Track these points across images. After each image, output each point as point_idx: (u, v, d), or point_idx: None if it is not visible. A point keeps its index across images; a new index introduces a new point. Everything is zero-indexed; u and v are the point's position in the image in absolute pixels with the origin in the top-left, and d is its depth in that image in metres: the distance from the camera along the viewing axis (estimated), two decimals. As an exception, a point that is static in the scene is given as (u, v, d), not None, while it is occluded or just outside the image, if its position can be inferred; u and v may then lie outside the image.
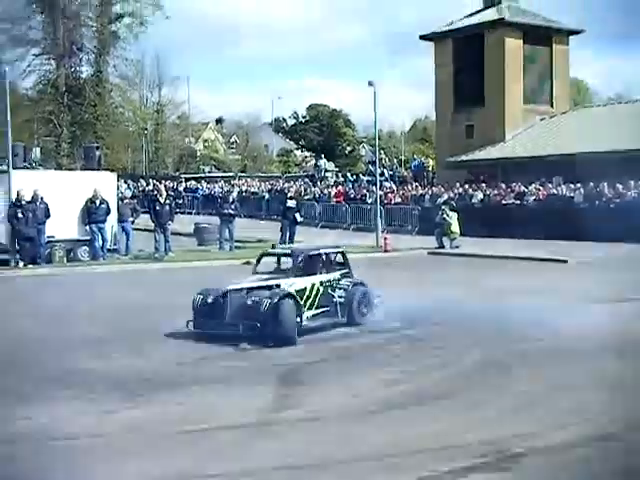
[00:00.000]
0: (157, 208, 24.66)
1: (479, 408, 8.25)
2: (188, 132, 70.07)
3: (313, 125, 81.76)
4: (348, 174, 49.59)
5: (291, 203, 27.74)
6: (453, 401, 8.56)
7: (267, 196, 41.09)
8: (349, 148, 79.50)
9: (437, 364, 10.36)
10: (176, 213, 27.61)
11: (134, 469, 6.64)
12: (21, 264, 21.66)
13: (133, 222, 25.43)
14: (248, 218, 37.36)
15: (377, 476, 6.30)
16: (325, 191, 39.75)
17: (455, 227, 26.59)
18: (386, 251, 26.11)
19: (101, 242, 23.21)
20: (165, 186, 32.26)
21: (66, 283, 18.90)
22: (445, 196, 31.59)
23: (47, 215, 21.94)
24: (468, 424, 7.66)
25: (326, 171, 51.74)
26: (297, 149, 79.70)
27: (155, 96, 66.09)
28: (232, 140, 79.04)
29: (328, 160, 58.82)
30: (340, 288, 13.04)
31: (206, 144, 76.44)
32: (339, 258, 13.69)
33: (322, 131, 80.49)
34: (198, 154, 70.98)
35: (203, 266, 22.71)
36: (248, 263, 22.81)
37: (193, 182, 48.26)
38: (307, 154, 75.59)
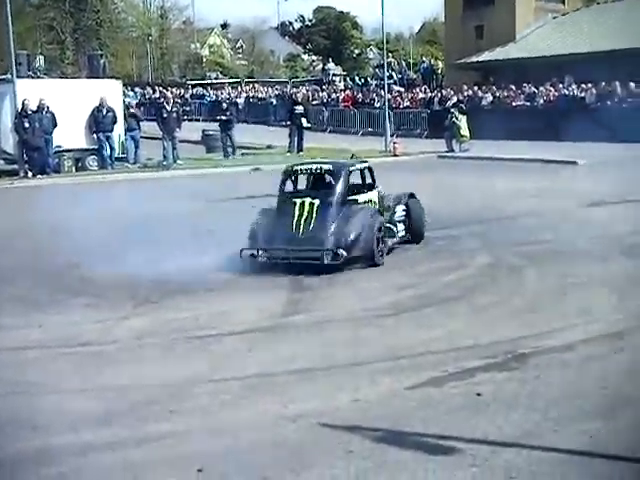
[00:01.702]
0: (164, 116, 24.47)
1: (488, 310, 8.32)
2: (193, 38, 68.91)
3: (320, 28, 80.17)
4: (356, 78, 48.89)
5: (299, 108, 27.47)
6: (462, 303, 8.63)
7: (275, 102, 40.65)
8: (357, 51, 78.08)
9: (446, 267, 10.40)
10: (183, 120, 27.40)
11: (147, 372, 6.76)
12: (30, 174, 21.68)
13: (140, 130, 25.24)
14: (256, 124, 37.10)
15: (387, 376, 6.40)
16: (333, 96, 39.28)
17: (465, 130, 26.36)
18: (395, 155, 25.97)
19: (109, 151, 23.15)
20: (172, 93, 31.96)
21: (76, 192, 18.89)
22: (454, 99, 31.16)
23: (54, 124, 21.81)
24: (477, 325, 7.75)
25: (334, 75, 51.04)
26: (304, 53, 78.39)
27: (159, 1, 64.85)
28: (238, 45, 77.77)
29: (336, 64, 57.92)
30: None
31: (212, 50, 75.25)
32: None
33: (329, 34, 78.97)
34: (204, 60, 69.95)
35: (211, 173, 22.67)
36: (257, 169, 22.87)
37: (199, 89, 47.72)
38: (314, 58, 74.38)
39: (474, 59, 37.43)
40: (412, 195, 12.08)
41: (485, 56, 37.23)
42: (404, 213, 11.74)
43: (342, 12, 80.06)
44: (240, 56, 75.13)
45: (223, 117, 26.16)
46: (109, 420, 5.77)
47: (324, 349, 7.22)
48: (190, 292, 9.42)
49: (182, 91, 46.09)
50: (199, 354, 7.24)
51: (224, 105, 27.76)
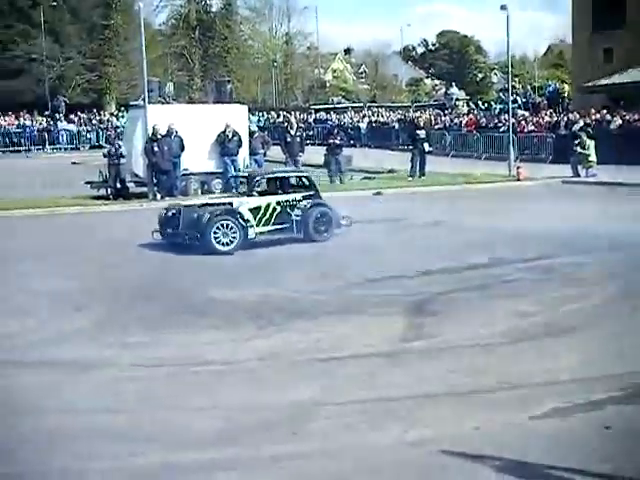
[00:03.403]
0: (288, 140, 24.85)
1: (613, 340, 8.04)
2: (317, 63, 69.91)
3: (443, 53, 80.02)
4: (479, 102, 48.44)
5: (421, 133, 27.36)
6: (587, 332, 8.36)
7: (397, 126, 40.69)
8: (480, 75, 77.43)
9: (572, 296, 10.11)
10: (306, 144, 27.74)
11: (269, 394, 6.84)
12: (158, 196, 22.36)
13: (265, 154, 25.75)
14: (378, 148, 37.20)
15: (510, 405, 6.27)
16: (456, 120, 39.02)
17: (592, 155, 25.64)
18: (519, 180, 25.50)
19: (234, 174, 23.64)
20: (295, 117, 32.44)
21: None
22: (581, 122, 30.34)
23: (182, 148, 22.45)
24: (602, 356, 7.50)
25: (457, 99, 50.68)
26: (427, 77, 78.29)
27: (284, 27, 66.17)
28: (361, 70, 78.39)
29: (459, 88, 57.57)
30: (298, 208, 14.69)
31: (335, 74, 76.10)
32: (305, 182, 15.46)
33: (452, 58, 78.68)
34: (327, 85, 70.82)
35: (333, 197, 22.80)
36: (379, 194, 22.90)
37: (322, 113, 48.29)
38: (437, 82, 74.18)
39: (603, 82, 36.43)
40: (322, 204, 15.10)
41: (615, 79, 36.17)
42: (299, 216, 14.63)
43: (466, 36, 79.64)
44: (363, 80, 75.70)
45: (332, 141, 26.19)
46: (233, 439, 5.86)
47: (444, 375, 7.14)
48: (311, 315, 9.50)
49: (305, 116, 46.76)
50: (320, 377, 7.28)
51: (335, 130, 27.92)
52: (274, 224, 14.58)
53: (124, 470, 5.50)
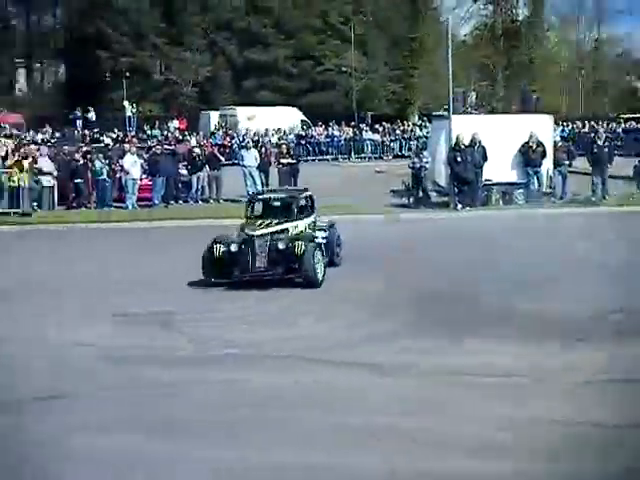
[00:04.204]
0: (594, 151, 23.87)
1: None
2: (628, 69, 66.53)
3: None
4: None
5: None
6: None
7: None
8: None
9: None
10: (615, 155, 26.44)
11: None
12: (459, 206, 22.46)
13: (570, 165, 24.95)
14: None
15: None
16: None
17: None
18: None
19: (537, 185, 23.17)
20: (603, 127, 31.11)
21: (504, 224, 19.14)
22: None
23: (484, 159, 22.38)
24: None
25: None
26: None
27: (594, 33, 63.65)
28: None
29: None
30: (320, 229, 13.95)
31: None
32: (309, 202, 14.36)
33: None
34: (639, 92, 67.16)
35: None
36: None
37: (633, 122, 45.79)
38: None
39: None
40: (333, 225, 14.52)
41: None
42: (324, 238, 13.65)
43: None
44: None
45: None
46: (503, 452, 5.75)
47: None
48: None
49: (614, 125, 44.63)
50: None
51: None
52: None
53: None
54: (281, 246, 12.61)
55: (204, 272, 12.79)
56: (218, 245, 12.65)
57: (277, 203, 14.03)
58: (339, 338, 9.58)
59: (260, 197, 14.72)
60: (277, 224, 13.13)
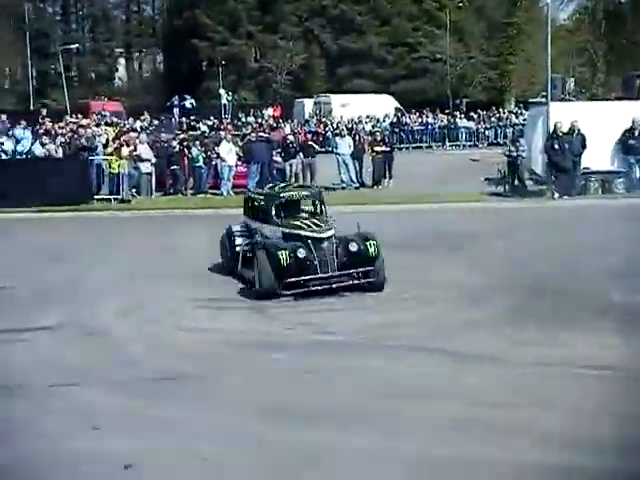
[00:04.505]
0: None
1: None
2: None
3: None
4: None
5: None
6: None
7: None
8: None
9: None
10: None
11: None
12: (556, 195, 21.99)
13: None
14: None
15: None
16: None
17: None
18: None
19: (638, 174, 22.48)
20: None
21: (605, 215, 18.69)
22: None
23: (583, 146, 21.84)
24: None
25: None
26: None
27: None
28: None
29: None
30: None
31: None
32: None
33: None
34: None
35: None
36: None
37: None
38: None
39: None
40: None
41: None
42: None
43: None
44: None
45: None
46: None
47: None
48: None
49: None
50: None
51: None
52: None
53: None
54: (353, 248, 11.31)
55: (262, 284, 11.09)
56: (282, 252, 11.01)
57: (307, 201, 12.80)
58: (439, 326, 9.60)
59: (284, 195, 12.55)
60: (325, 223, 11.84)
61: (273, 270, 10.98)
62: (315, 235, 11.45)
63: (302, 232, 11.56)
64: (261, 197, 13.00)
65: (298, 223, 11.85)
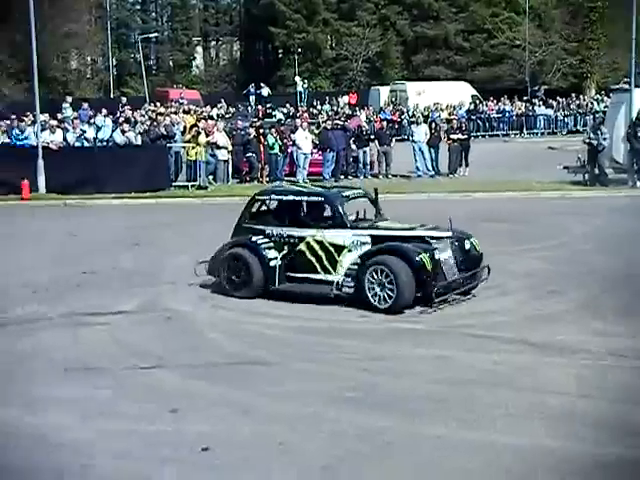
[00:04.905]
0: None
1: None
2: None
3: None
4: None
5: None
6: None
7: None
8: None
9: None
10: None
11: None
12: (638, 184, 21.45)
13: None
14: None
15: None
16: None
17: None
18: None
19: None
20: None
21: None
22: None
23: (667, 133, 21.25)
24: None
25: None
26: None
27: None
28: None
29: None
30: None
31: None
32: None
33: None
34: None
35: None
36: None
37: None
38: None
39: None
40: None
41: None
42: None
43: None
44: None
45: None
46: None
47: None
48: None
49: None
50: None
51: None
52: None
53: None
54: (468, 246, 10.43)
55: (401, 296, 9.60)
56: (423, 255, 9.71)
57: (362, 200, 11.35)
58: (521, 316, 9.55)
59: (349, 193, 11.11)
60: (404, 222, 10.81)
61: (415, 278, 9.63)
62: (439, 234, 10.29)
63: (420, 232, 10.31)
64: (308, 197, 11.12)
65: (387, 224, 10.72)
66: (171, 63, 65.14)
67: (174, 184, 23.03)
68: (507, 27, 57.02)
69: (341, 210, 10.55)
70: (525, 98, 44.90)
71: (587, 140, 22.44)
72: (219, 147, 23.40)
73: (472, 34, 58.34)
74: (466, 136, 26.04)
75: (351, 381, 7.40)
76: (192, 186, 22.86)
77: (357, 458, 5.90)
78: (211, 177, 23.54)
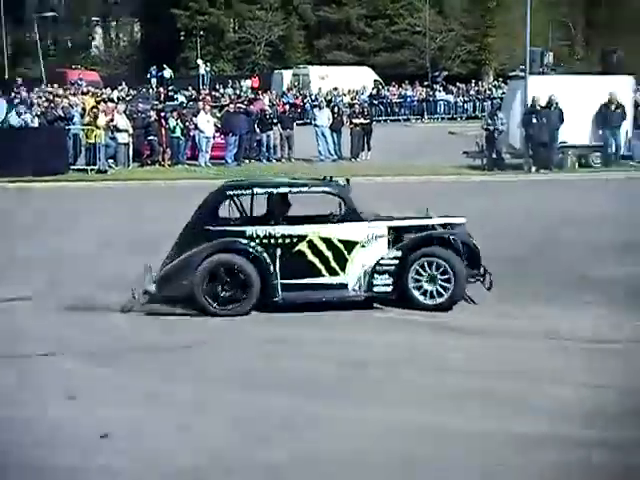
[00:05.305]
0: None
1: None
2: None
3: None
4: None
5: None
6: None
7: None
8: None
9: None
10: None
11: None
12: (533, 169, 22.11)
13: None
14: None
15: None
16: None
17: None
18: None
19: (614, 148, 22.63)
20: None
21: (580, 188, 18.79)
22: None
23: (561, 121, 21.92)
24: None
25: None
26: None
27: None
28: None
29: None
30: None
31: None
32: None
33: None
34: None
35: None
36: None
37: None
38: None
39: None
40: None
41: None
42: None
43: None
44: None
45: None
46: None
47: None
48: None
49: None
50: None
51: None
52: None
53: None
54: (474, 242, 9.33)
55: (458, 288, 8.87)
56: (474, 242, 9.13)
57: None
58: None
59: (344, 184, 9.88)
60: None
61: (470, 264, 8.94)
62: (457, 221, 9.46)
63: (441, 220, 9.41)
64: (304, 187, 9.54)
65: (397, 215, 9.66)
66: (69, 43, 63.44)
67: (73, 167, 22.52)
68: (408, 13, 57.67)
69: (352, 201, 9.29)
70: (426, 84, 45.54)
71: (485, 126, 22.99)
72: (119, 130, 22.98)
73: (374, 19, 58.78)
74: (368, 121, 26.28)
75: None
76: (91, 170, 22.42)
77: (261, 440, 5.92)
78: (111, 161, 23.12)
